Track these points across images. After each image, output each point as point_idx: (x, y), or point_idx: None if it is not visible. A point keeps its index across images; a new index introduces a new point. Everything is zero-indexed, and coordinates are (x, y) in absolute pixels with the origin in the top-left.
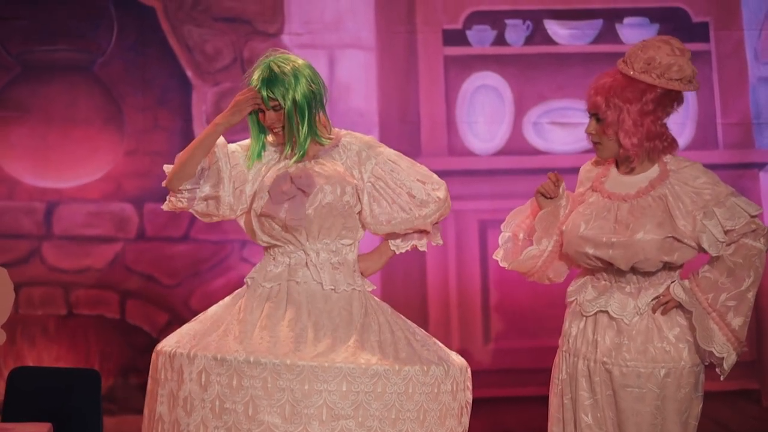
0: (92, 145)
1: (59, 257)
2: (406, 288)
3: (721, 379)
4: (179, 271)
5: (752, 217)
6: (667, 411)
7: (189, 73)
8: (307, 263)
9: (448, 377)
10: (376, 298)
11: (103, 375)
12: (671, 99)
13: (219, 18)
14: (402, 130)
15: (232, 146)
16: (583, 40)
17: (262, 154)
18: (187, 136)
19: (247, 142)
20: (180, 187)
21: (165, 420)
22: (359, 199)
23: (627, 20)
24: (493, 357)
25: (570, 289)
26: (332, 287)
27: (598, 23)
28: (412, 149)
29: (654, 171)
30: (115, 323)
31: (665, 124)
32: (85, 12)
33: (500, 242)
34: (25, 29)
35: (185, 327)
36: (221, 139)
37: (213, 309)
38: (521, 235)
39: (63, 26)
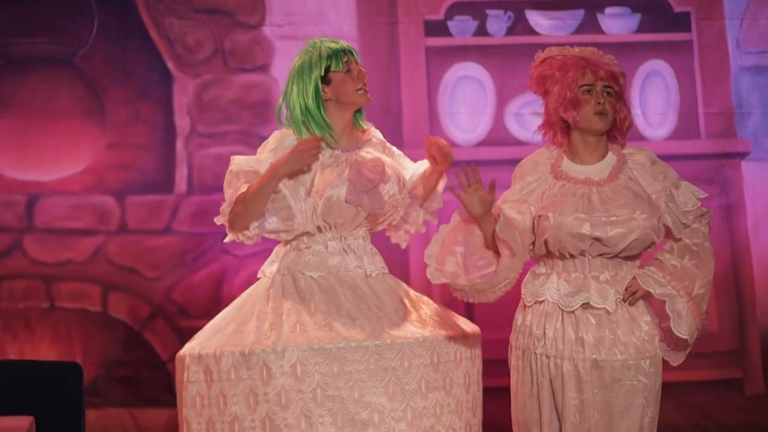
0: (74, 138)
1: (41, 250)
2: None
3: (673, 365)
4: (161, 264)
5: (699, 200)
6: (652, 402)
7: (170, 65)
8: (345, 250)
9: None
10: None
11: (86, 368)
12: None
13: (200, 10)
14: (384, 122)
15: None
16: (565, 31)
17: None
18: (169, 128)
19: (287, 149)
20: (248, 227)
21: (244, 419)
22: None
23: (608, 10)
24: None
25: (536, 289)
26: (371, 271)
27: (580, 13)
28: (394, 140)
29: (611, 158)
30: (98, 316)
31: None
32: (66, 5)
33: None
34: (5, 23)
35: (219, 328)
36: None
37: (245, 305)
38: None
39: (43, 19)
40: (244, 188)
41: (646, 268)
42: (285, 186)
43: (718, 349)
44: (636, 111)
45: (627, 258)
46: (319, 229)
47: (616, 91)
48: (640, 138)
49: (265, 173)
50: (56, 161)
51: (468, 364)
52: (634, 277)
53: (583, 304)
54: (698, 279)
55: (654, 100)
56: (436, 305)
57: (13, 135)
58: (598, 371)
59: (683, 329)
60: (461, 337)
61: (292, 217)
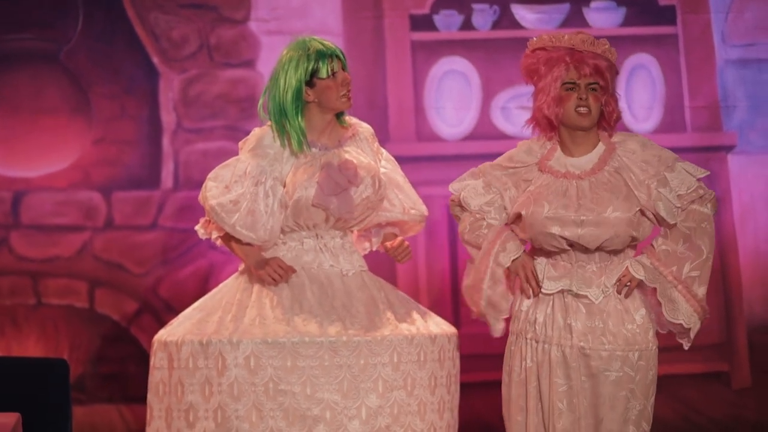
0: (60, 134)
1: (27, 246)
2: (375, 274)
3: (686, 348)
4: (148, 260)
5: (698, 180)
6: (640, 395)
7: (156, 61)
8: (321, 249)
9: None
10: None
11: (72, 364)
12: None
13: (185, 5)
14: (370, 116)
15: (266, 170)
16: (551, 25)
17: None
18: (155, 123)
19: (265, 148)
20: None
21: (199, 408)
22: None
23: (594, 4)
24: (464, 342)
25: None
26: (347, 270)
27: (565, 7)
28: (380, 135)
29: (600, 148)
30: (84, 312)
31: None
32: (51, 1)
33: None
34: None
35: (188, 316)
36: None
37: (216, 296)
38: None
39: (29, 15)
40: (232, 219)
41: (639, 256)
42: (259, 197)
43: (705, 342)
44: (622, 104)
45: (612, 252)
46: (291, 228)
47: (601, 86)
48: (626, 131)
49: (240, 249)
50: (42, 157)
51: (435, 366)
52: (626, 268)
53: (566, 290)
54: (688, 262)
55: (640, 93)
56: (411, 304)
57: None
58: (585, 359)
59: (676, 315)
60: (428, 338)
61: (256, 231)
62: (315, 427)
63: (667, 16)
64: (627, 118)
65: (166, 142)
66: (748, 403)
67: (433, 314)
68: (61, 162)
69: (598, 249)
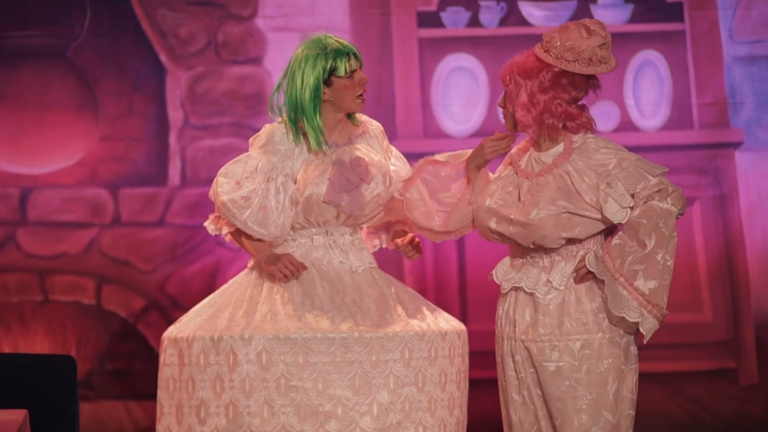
0: (67, 131)
1: (34, 243)
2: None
3: (644, 342)
4: (155, 256)
5: (656, 177)
6: (591, 384)
7: (163, 58)
8: (330, 245)
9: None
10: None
11: (80, 361)
12: (571, 80)
13: (192, 2)
14: (377, 113)
15: (277, 166)
16: (558, 21)
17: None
18: (162, 120)
19: (276, 145)
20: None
21: (210, 404)
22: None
23: (601, 1)
24: (471, 339)
25: (495, 271)
26: (357, 267)
27: (573, 4)
28: (387, 132)
29: (559, 148)
30: (92, 309)
31: (576, 104)
32: None
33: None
34: None
35: (198, 312)
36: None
37: (226, 292)
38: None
39: (36, 12)
40: (243, 215)
41: (596, 248)
42: (270, 193)
43: (712, 339)
44: (629, 101)
45: (552, 249)
46: (301, 224)
47: (505, 90)
48: (633, 128)
49: (250, 245)
50: (49, 154)
51: (445, 362)
52: (583, 257)
53: (516, 287)
54: (631, 255)
55: (647, 90)
56: (421, 301)
57: (5, 128)
58: (526, 351)
59: (618, 308)
60: (438, 334)
61: (267, 227)
62: (327, 422)
63: (675, 12)
64: (634, 114)
65: (173, 138)
66: (754, 400)
67: (442, 311)
68: (68, 159)
69: (538, 247)
